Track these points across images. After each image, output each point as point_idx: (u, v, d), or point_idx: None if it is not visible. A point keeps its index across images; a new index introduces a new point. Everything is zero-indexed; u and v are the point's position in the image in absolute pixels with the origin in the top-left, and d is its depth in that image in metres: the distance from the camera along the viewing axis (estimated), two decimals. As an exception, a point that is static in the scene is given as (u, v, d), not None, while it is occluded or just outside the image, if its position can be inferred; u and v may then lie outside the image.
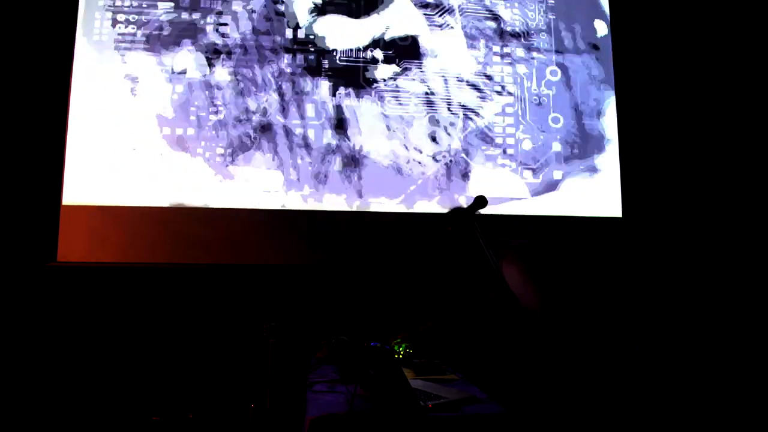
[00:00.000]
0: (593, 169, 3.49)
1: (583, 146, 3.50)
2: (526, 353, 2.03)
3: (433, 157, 3.35)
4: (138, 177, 3.11)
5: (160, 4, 3.25)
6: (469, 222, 1.97)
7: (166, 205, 3.12)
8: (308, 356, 2.50)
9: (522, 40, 3.53)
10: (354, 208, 3.25)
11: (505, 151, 3.42)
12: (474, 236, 1.94)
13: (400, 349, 2.42)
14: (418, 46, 3.43)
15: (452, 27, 3.48)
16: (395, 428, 1.64)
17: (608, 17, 3.64)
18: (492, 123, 3.43)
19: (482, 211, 2.05)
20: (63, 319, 3.00)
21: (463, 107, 3.42)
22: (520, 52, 3.52)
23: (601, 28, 3.64)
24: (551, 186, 3.43)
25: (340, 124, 3.30)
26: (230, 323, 3.09)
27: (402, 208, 3.29)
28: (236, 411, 3.01)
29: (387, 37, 3.41)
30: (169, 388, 3.02)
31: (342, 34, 3.38)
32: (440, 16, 3.48)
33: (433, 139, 3.37)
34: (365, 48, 3.39)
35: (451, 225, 1.99)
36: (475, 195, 2.06)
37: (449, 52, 3.46)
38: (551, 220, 3.39)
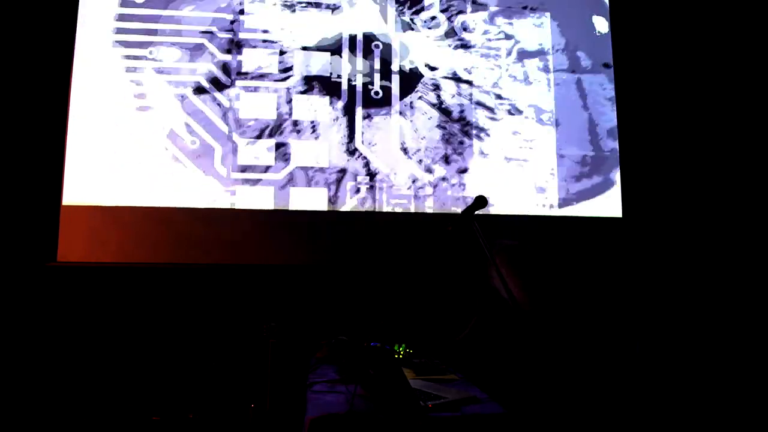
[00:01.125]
0: (594, 172, 3.50)
1: (589, 154, 3.51)
2: (525, 353, 2.03)
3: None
4: (138, 177, 3.11)
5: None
6: (469, 222, 1.97)
7: (166, 205, 3.12)
8: (308, 356, 2.50)
9: (528, 57, 3.54)
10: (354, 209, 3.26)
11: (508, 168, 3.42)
12: (474, 236, 1.94)
13: (400, 349, 2.42)
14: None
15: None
16: (395, 428, 1.64)
17: (608, 16, 3.66)
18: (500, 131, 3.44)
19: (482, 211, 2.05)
20: (63, 319, 3.00)
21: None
22: (528, 69, 3.53)
23: (601, 26, 3.65)
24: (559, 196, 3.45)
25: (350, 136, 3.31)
26: (230, 323, 3.09)
27: (402, 209, 3.29)
28: (236, 411, 3.01)
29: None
30: (169, 388, 3.02)
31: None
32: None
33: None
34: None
35: (451, 225, 1.99)
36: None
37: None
38: (551, 220, 3.39)
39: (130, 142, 3.13)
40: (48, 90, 3.11)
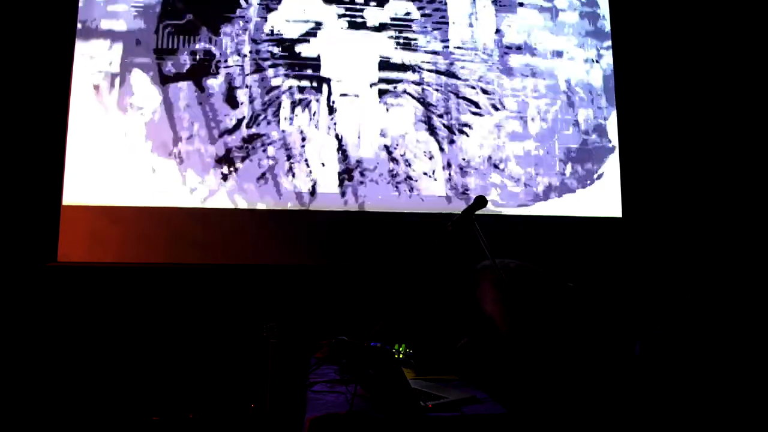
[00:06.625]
0: (595, 174, 3.50)
1: (586, 154, 3.51)
2: (525, 356, 2.03)
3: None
4: (138, 177, 3.11)
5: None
6: (469, 222, 1.97)
7: (166, 205, 3.12)
8: (308, 356, 2.50)
9: (524, 53, 3.53)
10: (353, 208, 3.26)
11: (497, 166, 3.42)
12: (474, 236, 1.94)
13: (401, 349, 2.42)
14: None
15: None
16: (395, 428, 1.64)
17: (609, 32, 3.65)
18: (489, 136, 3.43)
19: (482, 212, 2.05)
20: (63, 319, 3.00)
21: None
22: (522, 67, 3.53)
23: (605, 39, 3.65)
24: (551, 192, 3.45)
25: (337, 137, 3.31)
26: (230, 323, 3.09)
27: (402, 208, 3.29)
28: (236, 411, 3.01)
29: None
30: (169, 388, 3.02)
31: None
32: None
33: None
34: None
35: (451, 225, 1.98)
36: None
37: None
38: (551, 220, 3.39)
39: (130, 142, 3.13)
40: (48, 90, 3.11)
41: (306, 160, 3.25)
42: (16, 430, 2.88)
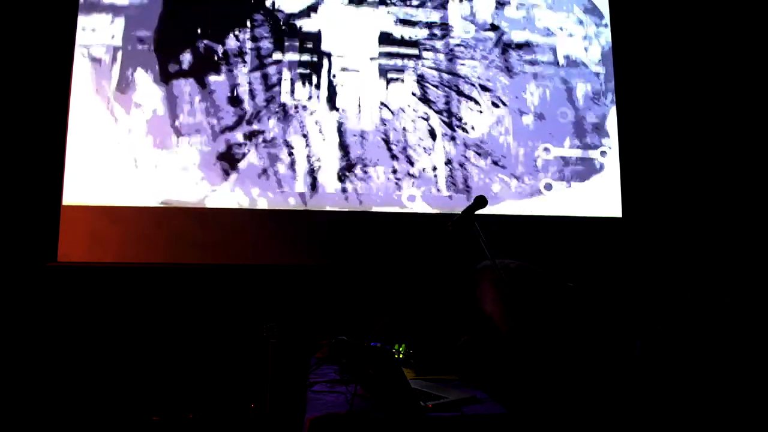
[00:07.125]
0: (594, 171, 3.50)
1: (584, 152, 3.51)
2: (525, 355, 2.03)
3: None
4: (138, 177, 3.11)
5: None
6: (470, 222, 1.97)
7: (166, 205, 3.12)
8: (308, 356, 2.50)
9: (523, 51, 3.53)
10: (353, 209, 3.25)
11: (496, 163, 3.42)
12: (474, 236, 1.94)
13: (401, 349, 2.42)
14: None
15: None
16: (395, 428, 1.64)
17: (609, 29, 3.65)
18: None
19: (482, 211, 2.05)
20: (63, 319, 3.00)
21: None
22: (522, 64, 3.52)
23: (604, 36, 3.65)
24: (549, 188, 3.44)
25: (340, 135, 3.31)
26: (230, 323, 3.09)
27: (402, 208, 3.29)
28: (236, 411, 3.01)
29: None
30: (169, 388, 3.02)
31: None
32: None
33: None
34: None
35: (451, 225, 1.99)
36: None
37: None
38: (551, 220, 3.39)
39: (130, 142, 3.13)
40: (48, 90, 3.11)
41: (307, 142, 3.23)
42: (17, 430, 2.88)
